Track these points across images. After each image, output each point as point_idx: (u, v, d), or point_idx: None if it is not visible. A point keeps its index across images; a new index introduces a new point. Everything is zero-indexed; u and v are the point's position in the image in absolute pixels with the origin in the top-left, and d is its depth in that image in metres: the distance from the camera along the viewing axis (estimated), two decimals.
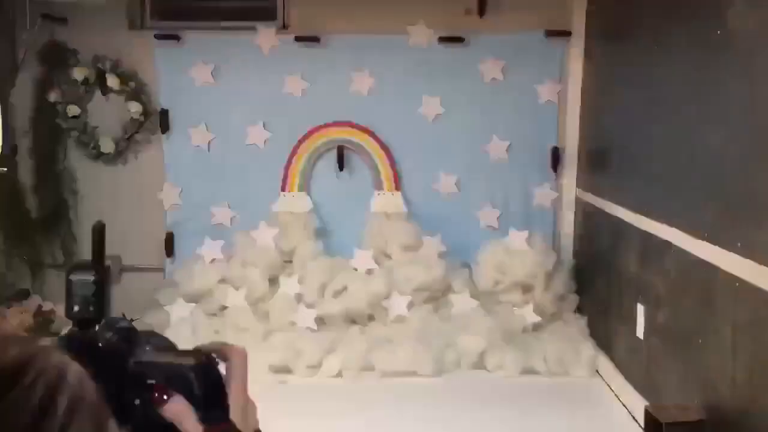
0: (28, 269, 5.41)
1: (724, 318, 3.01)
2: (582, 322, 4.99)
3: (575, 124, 5.32)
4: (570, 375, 4.60)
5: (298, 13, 5.41)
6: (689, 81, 3.44)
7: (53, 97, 5.36)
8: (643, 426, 3.44)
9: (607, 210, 4.56)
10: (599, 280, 4.80)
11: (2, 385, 0.62)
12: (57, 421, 0.63)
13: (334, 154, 5.45)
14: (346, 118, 5.43)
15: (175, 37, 5.37)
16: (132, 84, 5.38)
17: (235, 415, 0.97)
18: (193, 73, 5.38)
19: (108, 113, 5.43)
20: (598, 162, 4.94)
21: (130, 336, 0.96)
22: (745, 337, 2.85)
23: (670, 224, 3.56)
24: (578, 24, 5.26)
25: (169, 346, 1.01)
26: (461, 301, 5.09)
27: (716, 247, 3.07)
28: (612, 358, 4.48)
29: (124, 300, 5.35)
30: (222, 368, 1.00)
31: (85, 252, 5.50)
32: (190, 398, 0.93)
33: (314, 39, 5.35)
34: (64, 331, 0.98)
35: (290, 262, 5.29)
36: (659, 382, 3.73)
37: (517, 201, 5.46)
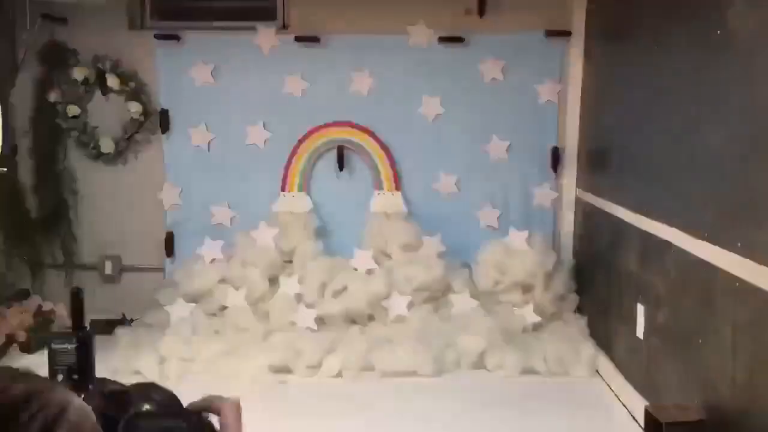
0: (28, 269, 5.41)
1: (724, 318, 3.01)
2: (582, 322, 4.99)
3: (575, 124, 5.32)
4: (570, 375, 4.60)
5: (298, 13, 5.41)
6: (689, 81, 3.44)
7: (53, 97, 5.36)
8: (643, 426, 3.44)
9: (607, 210, 4.56)
10: (599, 280, 4.80)
11: (5, 418, 0.62)
12: None
13: (334, 154, 5.46)
14: (346, 118, 5.43)
15: (175, 37, 5.37)
16: (132, 84, 5.39)
17: None
18: (193, 73, 5.38)
19: (108, 113, 5.43)
20: (598, 162, 4.94)
21: (118, 399, 0.94)
22: (745, 337, 2.85)
23: (670, 224, 3.56)
24: (578, 24, 5.26)
25: (168, 402, 0.99)
26: (461, 301, 5.09)
27: (716, 247, 3.07)
28: (612, 358, 4.48)
29: (124, 300, 5.38)
30: (216, 422, 0.99)
31: (85, 252, 5.51)
32: None
33: (314, 39, 5.35)
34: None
35: (290, 262, 5.29)
36: (659, 382, 3.73)
37: (517, 201, 5.46)
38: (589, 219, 5.11)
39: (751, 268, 2.77)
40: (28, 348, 4.74)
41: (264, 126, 5.44)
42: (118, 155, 5.48)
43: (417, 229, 5.31)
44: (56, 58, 5.35)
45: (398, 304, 5.04)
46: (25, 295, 5.21)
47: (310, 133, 5.45)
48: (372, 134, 5.44)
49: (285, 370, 4.60)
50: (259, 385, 4.40)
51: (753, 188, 2.82)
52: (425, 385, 4.50)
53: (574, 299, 5.19)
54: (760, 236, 2.74)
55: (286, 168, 5.46)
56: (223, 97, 5.41)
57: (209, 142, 5.46)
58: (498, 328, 4.81)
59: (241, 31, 5.36)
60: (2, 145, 4.62)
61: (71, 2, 5.13)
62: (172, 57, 5.39)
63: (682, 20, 3.55)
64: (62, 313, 5.02)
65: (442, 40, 5.32)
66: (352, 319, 5.10)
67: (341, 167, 5.46)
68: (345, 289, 5.11)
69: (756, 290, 2.74)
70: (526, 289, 5.15)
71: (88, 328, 1.01)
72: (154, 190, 5.45)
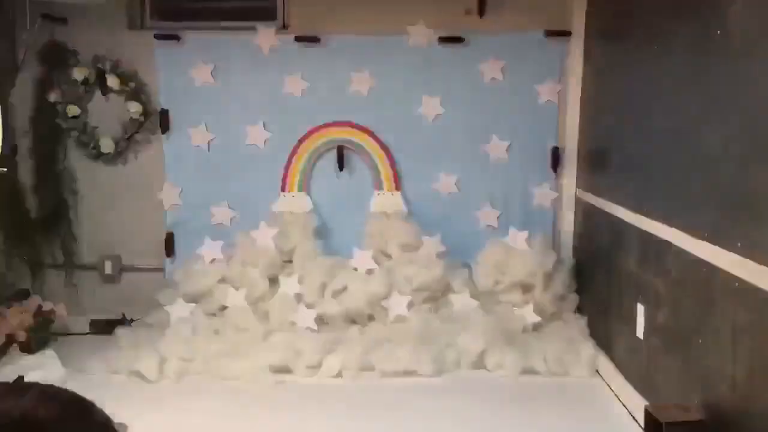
0: (28, 269, 5.41)
1: (724, 318, 3.01)
2: (582, 322, 4.99)
3: (575, 124, 5.32)
4: (570, 375, 4.60)
5: (298, 13, 5.41)
6: (689, 81, 3.44)
7: (53, 97, 5.36)
8: (643, 426, 3.44)
9: (607, 210, 4.56)
10: (599, 280, 4.80)
11: None
12: None
13: (333, 154, 5.46)
14: (346, 118, 5.43)
15: (175, 37, 5.37)
16: (132, 84, 5.38)
17: None
18: (193, 73, 5.38)
19: (108, 113, 5.43)
20: (598, 162, 4.94)
21: None
22: (745, 337, 2.85)
23: (670, 224, 3.56)
24: (578, 24, 5.26)
25: None
26: (461, 301, 5.09)
27: (716, 247, 3.07)
28: (612, 358, 4.48)
29: (124, 300, 5.38)
30: None
31: (85, 252, 5.51)
32: None
33: (314, 39, 5.35)
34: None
35: (290, 261, 5.29)
36: (659, 382, 3.73)
37: (517, 201, 5.46)
38: (588, 219, 5.11)
39: (751, 268, 2.77)
40: (28, 348, 4.74)
41: (264, 126, 5.44)
42: (118, 155, 5.47)
43: (417, 229, 5.31)
44: (56, 58, 5.35)
45: (398, 304, 5.04)
46: (25, 295, 5.21)
47: (310, 133, 5.45)
48: (372, 134, 5.44)
49: (285, 370, 4.60)
50: (259, 385, 4.40)
51: (753, 188, 2.82)
52: (425, 384, 4.50)
53: (574, 299, 5.19)
54: (760, 236, 2.74)
55: (286, 168, 5.46)
56: (223, 97, 5.41)
57: (209, 142, 5.46)
58: (498, 328, 4.82)
59: (241, 31, 5.36)
60: (2, 145, 4.62)
61: (71, 2, 5.12)
62: (172, 57, 5.39)
63: (682, 20, 3.55)
64: (62, 313, 5.02)
65: (442, 40, 5.32)
66: (352, 319, 5.10)
67: (341, 167, 5.46)
68: (345, 289, 5.11)
69: (756, 290, 2.74)
70: (526, 289, 5.15)
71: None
72: (154, 190, 5.45)
